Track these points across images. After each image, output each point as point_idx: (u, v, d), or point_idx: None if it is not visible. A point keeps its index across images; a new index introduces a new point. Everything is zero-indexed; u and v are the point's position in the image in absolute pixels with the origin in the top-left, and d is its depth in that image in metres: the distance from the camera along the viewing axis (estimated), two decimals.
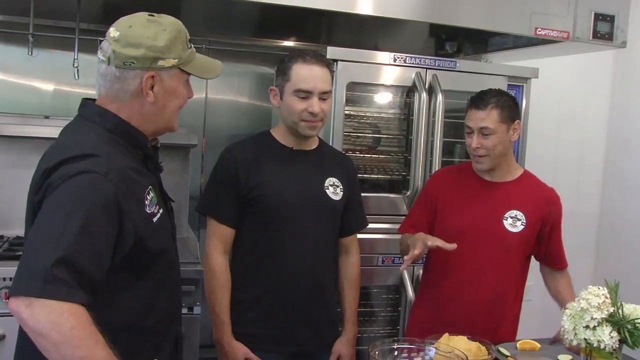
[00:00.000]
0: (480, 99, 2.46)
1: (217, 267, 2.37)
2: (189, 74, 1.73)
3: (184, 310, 2.86)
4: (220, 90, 3.94)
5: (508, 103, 2.46)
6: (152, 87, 1.64)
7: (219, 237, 2.39)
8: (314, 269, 2.39)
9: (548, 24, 3.24)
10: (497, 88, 2.57)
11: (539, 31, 3.22)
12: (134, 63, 1.61)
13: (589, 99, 4.57)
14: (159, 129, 1.74)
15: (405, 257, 2.30)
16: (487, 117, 2.41)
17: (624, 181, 4.51)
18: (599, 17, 3.32)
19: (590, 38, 3.31)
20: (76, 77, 3.24)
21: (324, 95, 2.33)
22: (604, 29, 3.33)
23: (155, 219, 1.66)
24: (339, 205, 2.46)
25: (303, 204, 2.37)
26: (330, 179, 2.45)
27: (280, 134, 2.44)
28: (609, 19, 3.34)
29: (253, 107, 4.01)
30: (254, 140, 2.49)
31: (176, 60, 1.66)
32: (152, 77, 1.63)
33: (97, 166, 1.50)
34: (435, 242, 2.31)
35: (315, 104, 2.30)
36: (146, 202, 1.63)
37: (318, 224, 2.40)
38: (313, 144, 2.48)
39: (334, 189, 2.44)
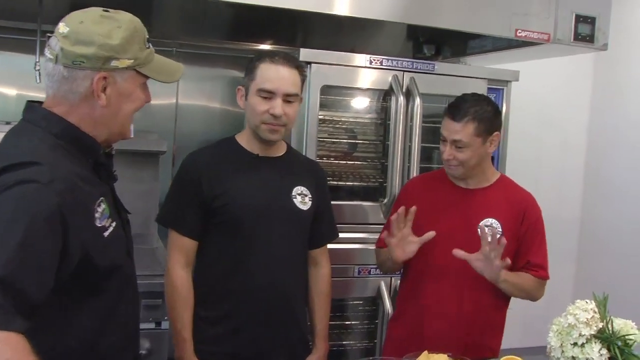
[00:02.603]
0: (457, 109, 2.33)
1: (179, 281, 2.27)
2: (147, 76, 1.61)
3: (151, 325, 2.80)
4: (192, 95, 3.87)
5: (487, 115, 2.34)
6: (104, 89, 1.53)
7: (181, 249, 2.28)
8: (282, 282, 2.30)
9: (528, 26, 3.18)
10: (478, 94, 2.46)
11: (519, 32, 3.16)
12: (83, 62, 1.49)
13: (569, 103, 4.58)
14: (112, 135, 1.62)
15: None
16: (462, 130, 2.30)
17: (604, 186, 4.52)
18: (580, 19, 3.27)
19: (572, 40, 3.26)
20: (38, 81, 3.11)
21: (289, 98, 2.23)
22: (585, 31, 3.29)
23: (106, 233, 1.54)
24: (308, 215, 2.37)
25: (269, 214, 2.28)
26: (298, 187, 2.35)
27: (245, 140, 2.34)
28: (590, 20, 3.29)
29: (225, 113, 3.94)
30: (217, 146, 2.39)
31: (132, 60, 1.55)
32: (104, 78, 1.52)
33: (39, 175, 1.38)
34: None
35: (277, 106, 2.20)
36: (96, 214, 1.51)
37: (285, 235, 2.31)
38: (280, 151, 2.38)
39: (302, 198, 2.34)
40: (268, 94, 2.20)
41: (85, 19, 1.52)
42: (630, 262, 4.16)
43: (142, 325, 2.70)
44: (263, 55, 2.27)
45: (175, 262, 2.27)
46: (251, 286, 2.26)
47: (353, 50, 3.63)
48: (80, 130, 1.55)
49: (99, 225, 1.51)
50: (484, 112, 2.33)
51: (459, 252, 2.23)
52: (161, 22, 3.58)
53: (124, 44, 1.52)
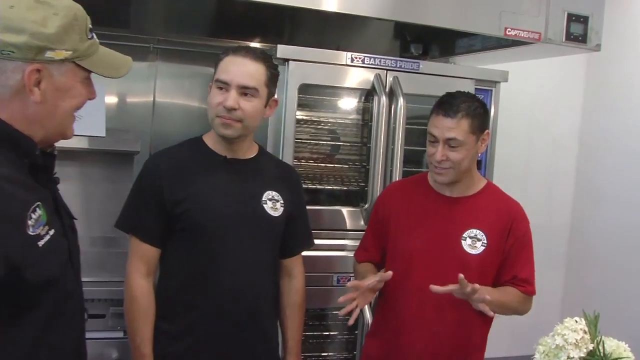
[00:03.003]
0: (449, 105, 2.21)
1: (138, 291, 2.14)
2: (90, 70, 1.47)
3: (120, 334, 2.67)
4: (170, 92, 3.72)
5: (479, 111, 2.24)
6: (38, 84, 1.38)
7: (141, 257, 2.15)
8: (249, 294, 2.18)
9: (518, 24, 3.06)
10: (464, 91, 2.34)
11: (509, 31, 3.04)
12: (13, 52, 1.34)
13: (561, 105, 4.46)
14: (49, 134, 1.47)
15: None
16: (457, 127, 2.18)
17: (596, 190, 4.40)
18: (572, 18, 3.16)
19: (563, 40, 3.15)
20: None
21: (246, 91, 2.10)
22: (578, 31, 3.18)
23: (41, 243, 1.38)
24: (279, 222, 2.24)
25: (236, 220, 2.15)
26: (269, 192, 2.23)
27: (211, 140, 2.22)
28: (583, 19, 3.18)
29: (205, 112, 3.72)
30: (183, 147, 2.27)
31: (70, 52, 1.41)
32: (38, 70, 1.37)
33: None
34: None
35: (230, 98, 2.07)
36: (29, 222, 1.35)
37: (254, 243, 2.18)
38: (250, 152, 2.25)
39: (272, 203, 2.22)
40: (223, 85, 2.09)
41: (16, 3, 1.37)
42: (620, 268, 4.06)
43: (111, 335, 2.66)
44: (229, 49, 2.15)
45: (135, 271, 2.15)
46: (216, 298, 2.13)
47: (338, 49, 3.55)
48: (12, 127, 1.40)
49: (32, 233, 1.36)
50: (476, 107, 2.23)
51: (436, 288, 2.09)
52: (139, 16, 3.46)
53: (60, 33, 1.38)
